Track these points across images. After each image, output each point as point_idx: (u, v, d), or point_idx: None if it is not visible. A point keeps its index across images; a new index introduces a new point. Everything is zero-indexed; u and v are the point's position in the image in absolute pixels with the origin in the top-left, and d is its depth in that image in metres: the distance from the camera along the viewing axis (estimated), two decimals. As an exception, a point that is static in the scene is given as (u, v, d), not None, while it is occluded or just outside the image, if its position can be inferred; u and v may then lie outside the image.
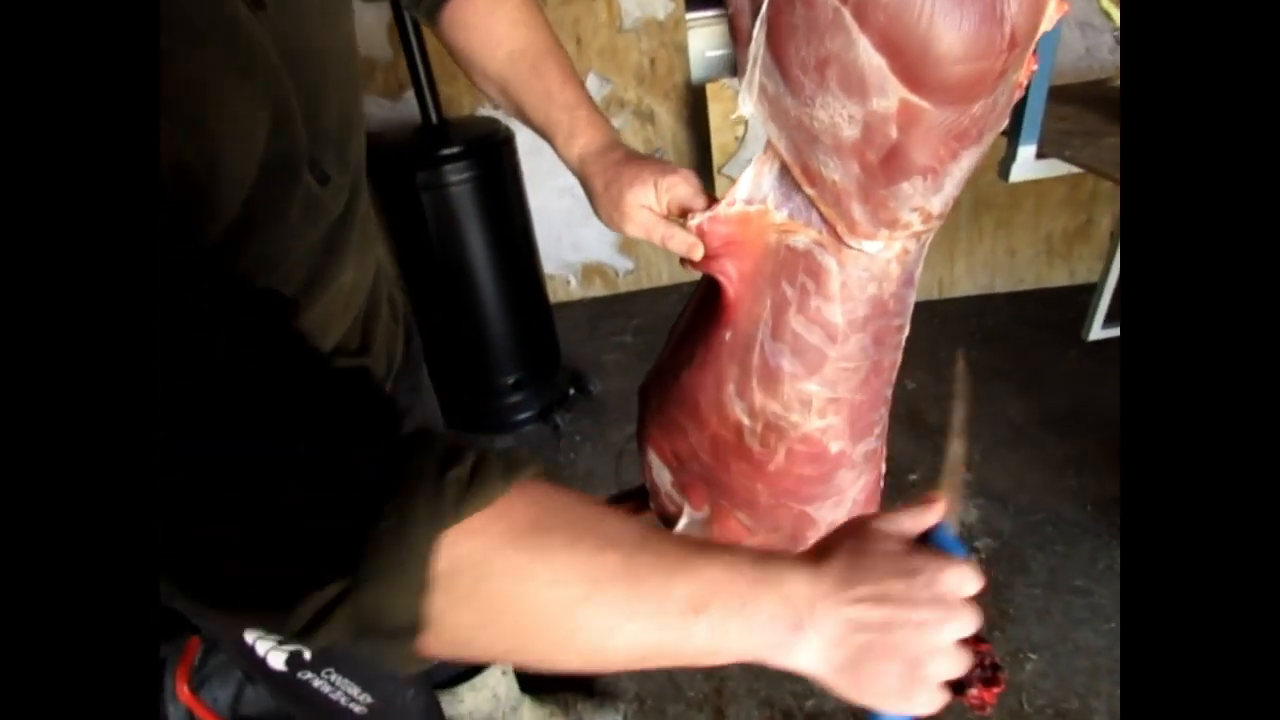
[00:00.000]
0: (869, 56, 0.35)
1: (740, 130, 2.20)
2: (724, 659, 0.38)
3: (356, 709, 0.75)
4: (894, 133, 0.38)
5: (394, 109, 2.13)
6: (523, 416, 2.03)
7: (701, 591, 0.36)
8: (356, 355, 0.67)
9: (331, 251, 0.56)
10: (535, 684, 1.33)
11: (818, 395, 0.51)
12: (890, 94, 0.36)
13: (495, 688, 1.19)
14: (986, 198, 2.25)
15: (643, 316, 2.53)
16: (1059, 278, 2.38)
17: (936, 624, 0.39)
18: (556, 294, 2.63)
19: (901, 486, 1.71)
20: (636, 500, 0.90)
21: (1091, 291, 1.51)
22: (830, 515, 0.60)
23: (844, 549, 0.41)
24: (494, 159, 1.73)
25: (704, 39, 2.23)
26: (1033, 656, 1.34)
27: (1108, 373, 1.94)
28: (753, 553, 0.39)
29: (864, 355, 0.50)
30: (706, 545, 0.39)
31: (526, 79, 0.62)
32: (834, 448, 0.54)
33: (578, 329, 2.49)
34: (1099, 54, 2.03)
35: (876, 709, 0.40)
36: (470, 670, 1.12)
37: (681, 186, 0.53)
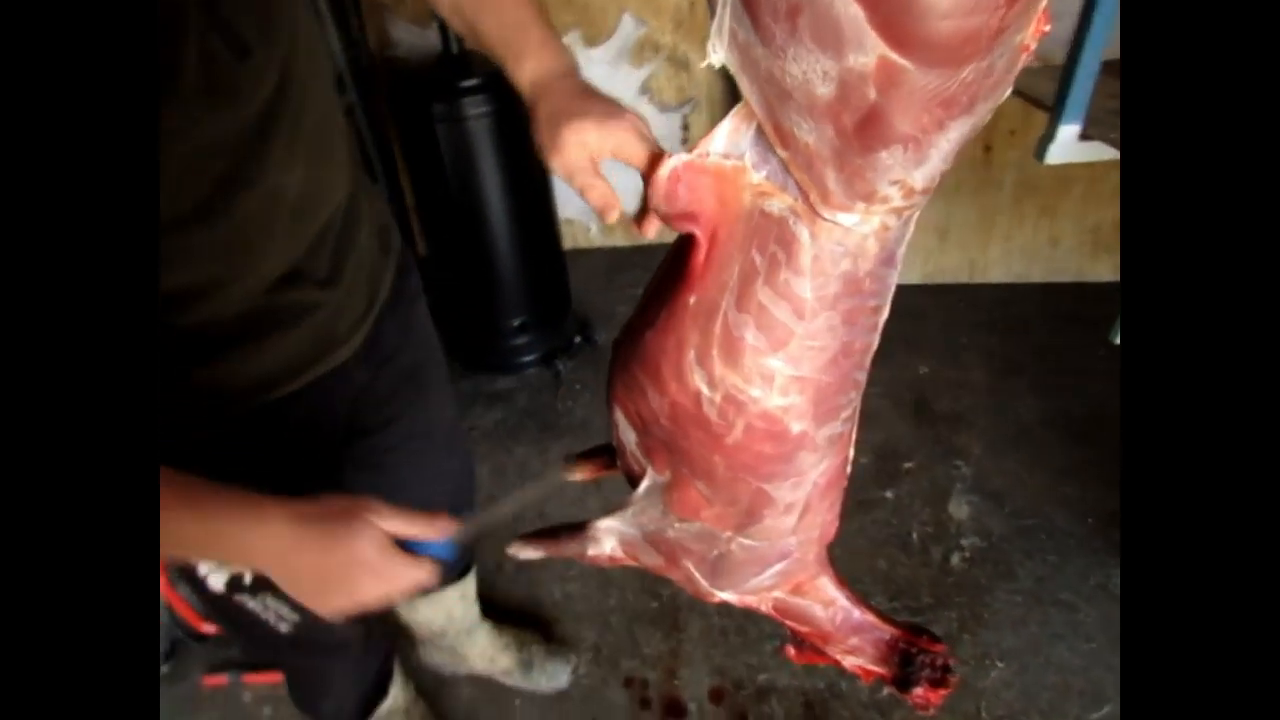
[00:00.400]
0: (845, 5, 0.31)
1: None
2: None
3: (284, 628, 0.77)
4: (871, 94, 0.34)
5: (423, 36, 2.07)
6: (525, 359, 2.04)
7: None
8: (324, 286, 0.64)
9: (259, 146, 0.53)
10: (496, 616, 1.37)
11: (780, 372, 0.49)
12: (868, 49, 0.33)
13: (451, 609, 1.23)
14: (1031, 180, 2.09)
15: (663, 270, 2.48)
16: (1102, 272, 2.24)
17: (359, 592, 0.56)
18: (576, 240, 2.59)
19: (894, 473, 1.67)
20: (606, 456, 0.89)
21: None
22: (789, 496, 0.58)
23: (322, 516, 0.54)
24: (514, 94, 1.67)
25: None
26: (1000, 664, 1.30)
27: (1133, 379, 1.85)
28: (241, 500, 0.53)
29: (833, 335, 0.47)
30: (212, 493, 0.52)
31: None
32: (795, 428, 0.52)
33: (594, 277, 2.46)
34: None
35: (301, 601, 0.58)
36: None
37: (626, 132, 0.49)
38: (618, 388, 0.63)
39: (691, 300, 0.48)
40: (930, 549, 1.53)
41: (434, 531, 0.60)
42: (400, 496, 1.04)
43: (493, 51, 0.60)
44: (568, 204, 2.44)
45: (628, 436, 0.67)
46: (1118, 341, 1.75)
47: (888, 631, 0.69)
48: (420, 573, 0.58)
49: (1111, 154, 1.16)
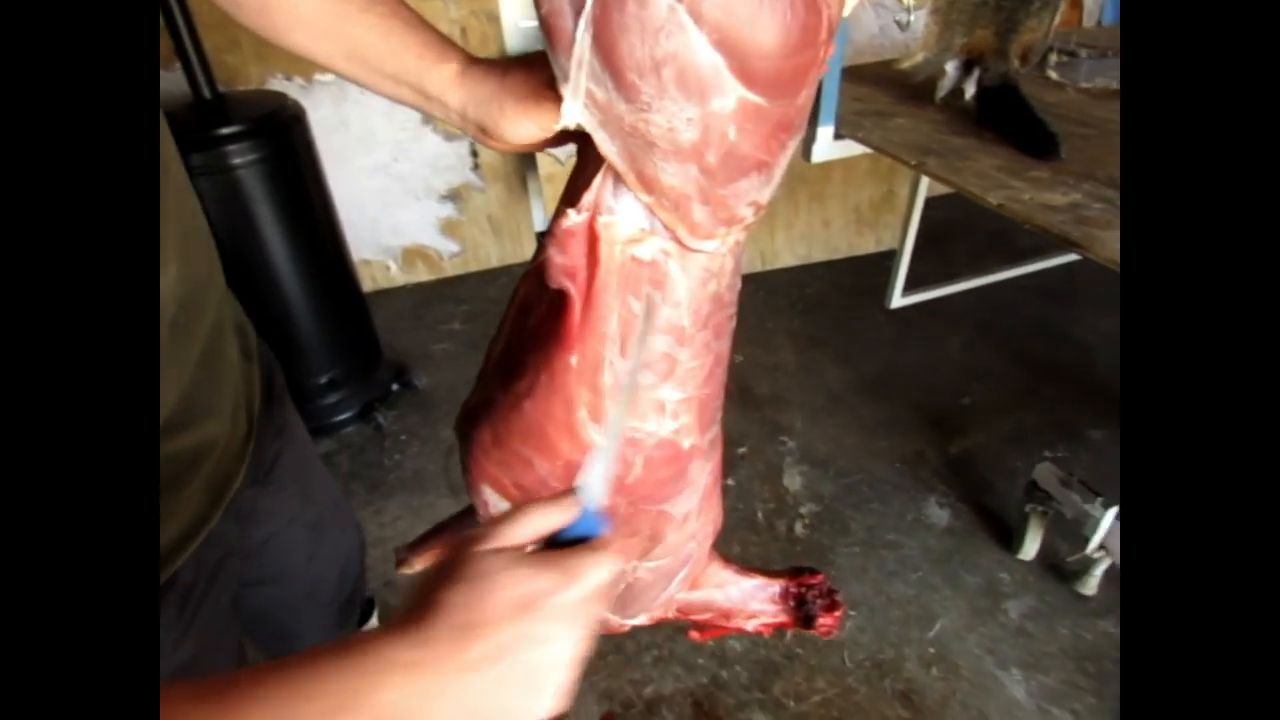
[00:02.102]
0: (707, 56, 0.33)
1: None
2: None
3: None
4: (732, 132, 0.36)
5: (169, 80, 1.67)
6: (342, 418, 1.81)
7: None
8: (214, 416, 0.52)
9: None
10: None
11: (670, 399, 0.50)
12: (729, 93, 0.34)
13: None
14: (800, 171, 2.29)
15: (472, 302, 2.29)
16: (868, 245, 2.55)
17: (561, 643, 0.36)
18: (376, 280, 2.33)
19: (731, 460, 1.74)
20: (443, 536, 0.82)
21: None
22: (685, 506, 0.60)
23: (448, 599, 0.36)
24: (282, 137, 1.48)
25: (518, 7, 2.02)
26: (852, 614, 1.43)
27: (910, 336, 2.12)
28: (327, 664, 0.33)
29: (707, 350, 0.49)
30: (266, 677, 0.32)
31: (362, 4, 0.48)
32: (686, 444, 0.54)
33: (401, 318, 2.21)
34: (891, 33, 2.12)
35: None
36: None
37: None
38: (485, 468, 0.59)
39: (573, 360, 0.46)
40: (775, 523, 1.60)
41: (566, 510, 0.40)
42: (294, 585, 0.85)
43: (389, 63, 0.48)
44: (363, 244, 2.15)
45: (501, 509, 0.62)
46: (891, 307, 1.97)
47: (776, 584, 0.76)
48: (601, 560, 0.38)
49: (860, 148, 1.29)
